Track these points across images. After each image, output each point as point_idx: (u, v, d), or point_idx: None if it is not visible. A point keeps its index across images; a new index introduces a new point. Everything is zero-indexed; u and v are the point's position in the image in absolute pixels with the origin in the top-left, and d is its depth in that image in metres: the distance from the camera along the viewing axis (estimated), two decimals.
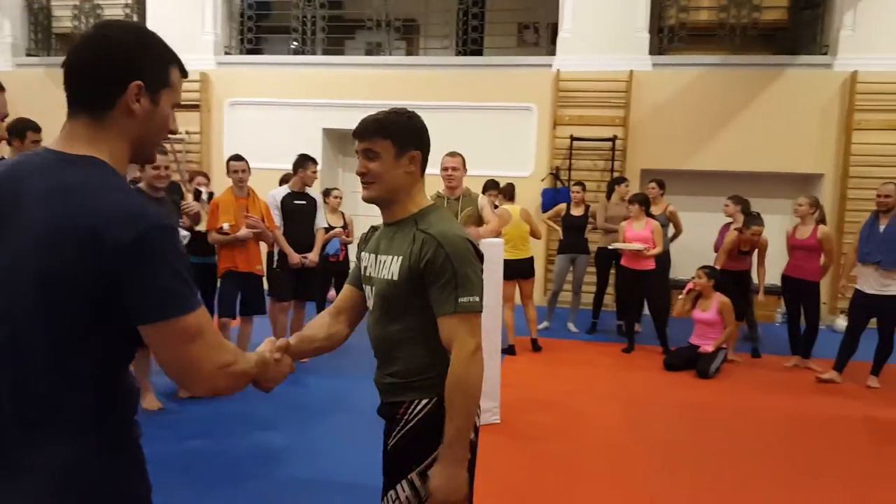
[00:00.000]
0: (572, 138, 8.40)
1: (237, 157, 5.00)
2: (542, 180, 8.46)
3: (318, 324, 1.84)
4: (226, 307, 4.91)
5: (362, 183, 1.70)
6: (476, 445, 1.73)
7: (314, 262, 5.34)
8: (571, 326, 7.11)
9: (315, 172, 5.46)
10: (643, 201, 6.31)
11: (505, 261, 5.68)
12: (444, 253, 1.58)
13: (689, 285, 5.93)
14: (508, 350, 5.89)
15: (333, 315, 1.86)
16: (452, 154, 4.34)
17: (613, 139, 8.32)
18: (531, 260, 6.19)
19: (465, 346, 1.57)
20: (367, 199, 1.72)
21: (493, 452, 3.85)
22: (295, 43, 9.53)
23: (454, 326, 1.58)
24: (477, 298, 1.60)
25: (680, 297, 6.03)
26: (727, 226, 6.58)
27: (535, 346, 6.20)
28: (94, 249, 1.04)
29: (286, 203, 5.31)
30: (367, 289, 1.77)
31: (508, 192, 6.40)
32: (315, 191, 5.80)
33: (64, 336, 1.09)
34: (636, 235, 6.20)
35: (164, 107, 1.23)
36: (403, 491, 1.67)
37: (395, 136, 1.64)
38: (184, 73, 1.28)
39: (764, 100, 8.10)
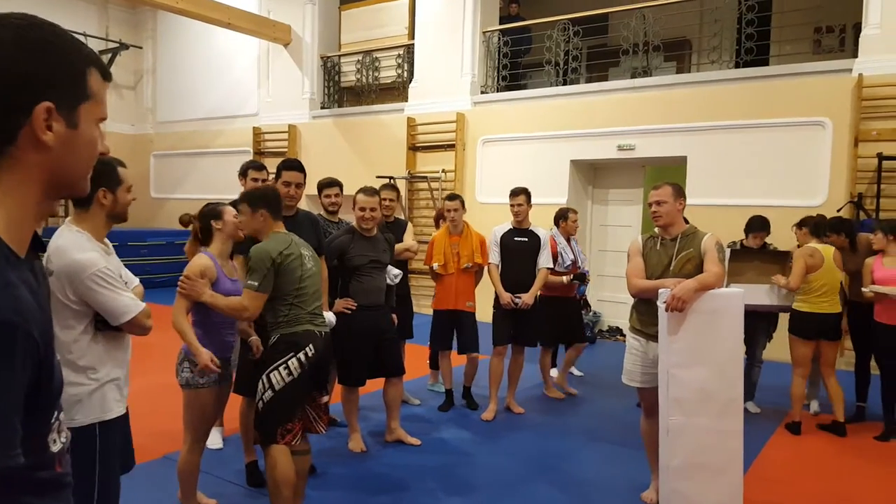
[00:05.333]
0: (881, 157, 6.59)
1: (449, 198, 5.09)
2: (839, 210, 6.76)
3: None
4: (438, 341, 5.20)
5: None
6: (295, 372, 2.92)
7: (528, 303, 4.88)
8: None
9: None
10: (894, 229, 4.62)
11: (806, 314, 4.72)
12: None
13: None
14: (792, 427, 4.74)
15: None
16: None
17: None
18: (839, 316, 4.80)
19: (241, 300, 2.91)
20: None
21: None
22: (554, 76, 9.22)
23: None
24: (255, 283, 2.86)
25: None
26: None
27: (839, 431, 4.71)
28: None
29: (505, 239, 5.04)
30: None
31: (816, 227, 4.95)
32: (543, 228, 5.41)
33: None
34: (889, 275, 4.51)
35: (87, 126, 0.93)
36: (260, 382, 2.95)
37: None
38: (106, 77, 0.97)
39: None
